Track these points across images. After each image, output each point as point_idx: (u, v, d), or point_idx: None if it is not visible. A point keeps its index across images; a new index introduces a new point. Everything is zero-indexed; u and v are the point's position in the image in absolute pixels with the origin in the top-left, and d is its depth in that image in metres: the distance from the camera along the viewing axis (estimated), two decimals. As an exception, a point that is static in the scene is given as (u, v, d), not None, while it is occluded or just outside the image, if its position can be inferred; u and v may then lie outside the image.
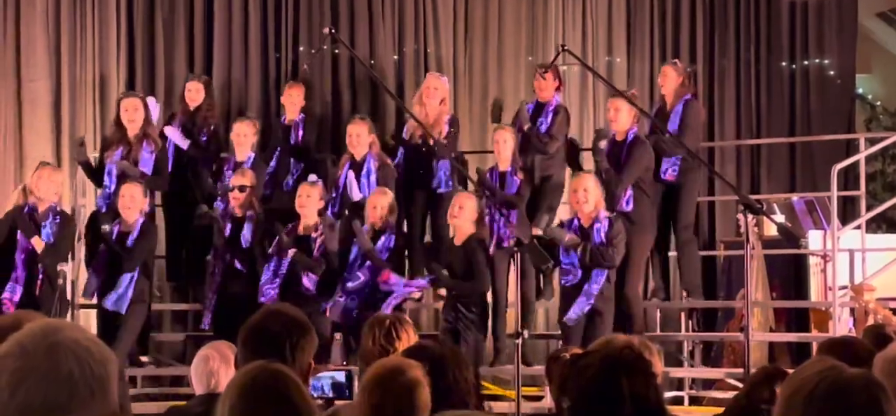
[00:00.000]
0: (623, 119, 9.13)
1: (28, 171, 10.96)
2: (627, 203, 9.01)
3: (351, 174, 9.48)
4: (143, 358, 9.71)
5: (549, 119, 9.71)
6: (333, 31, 9.74)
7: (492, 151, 10.05)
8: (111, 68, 11.34)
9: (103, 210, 9.62)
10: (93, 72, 11.28)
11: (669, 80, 9.75)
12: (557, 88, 9.85)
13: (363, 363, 4.36)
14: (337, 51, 11.54)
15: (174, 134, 9.98)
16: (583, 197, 8.66)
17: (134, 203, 9.07)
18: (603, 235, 8.62)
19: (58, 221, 9.05)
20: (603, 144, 9.13)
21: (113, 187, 9.52)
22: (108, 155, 9.61)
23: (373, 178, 9.50)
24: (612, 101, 9.34)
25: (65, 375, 2.15)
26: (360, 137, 9.60)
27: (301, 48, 11.64)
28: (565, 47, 9.02)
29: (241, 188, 9.25)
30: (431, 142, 9.53)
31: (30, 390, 2.14)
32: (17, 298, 8.88)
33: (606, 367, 2.78)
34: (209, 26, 11.58)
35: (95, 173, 9.79)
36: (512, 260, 8.76)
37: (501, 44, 11.95)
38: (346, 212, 9.45)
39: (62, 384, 2.15)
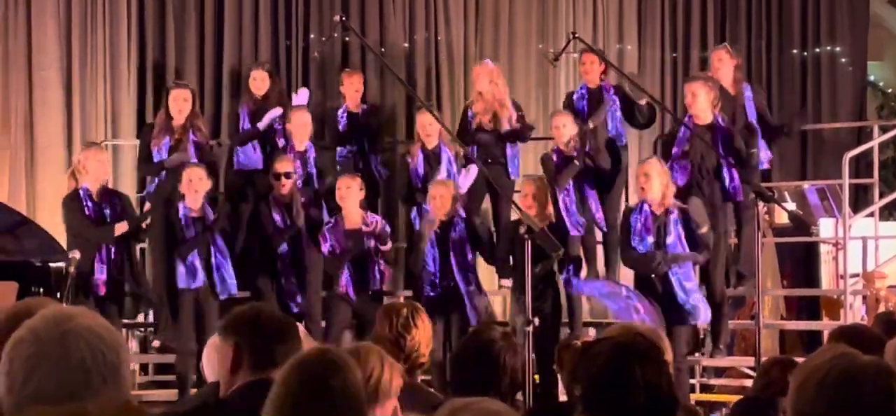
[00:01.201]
0: (702, 103, 8.98)
1: (39, 159, 11.00)
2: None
3: (462, 171, 9.46)
4: (155, 343, 9.71)
5: (619, 103, 9.67)
6: (344, 18, 9.74)
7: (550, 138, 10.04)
8: (122, 57, 11.34)
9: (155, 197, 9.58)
10: (103, 60, 11.28)
11: (725, 63, 9.60)
12: (604, 72, 9.81)
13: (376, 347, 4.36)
14: (347, 39, 11.53)
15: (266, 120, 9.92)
16: (643, 182, 8.49)
17: (201, 185, 8.96)
18: (679, 226, 8.48)
19: (120, 201, 9.11)
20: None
21: (165, 175, 9.50)
22: (155, 144, 9.57)
23: (454, 168, 9.52)
24: (689, 85, 9.17)
25: (77, 362, 2.16)
26: (432, 126, 9.52)
27: (312, 36, 11.64)
28: (576, 35, 9.03)
29: (287, 175, 9.23)
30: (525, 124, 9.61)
31: (43, 376, 2.15)
32: (104, 277, 8.90)
33: (618, 354, 2.78)
34: (220, 13, 11.58)
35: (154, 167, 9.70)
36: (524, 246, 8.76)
37: (512, 31, 11.94)
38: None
39: (75, 370, 2.16)
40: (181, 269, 8.80)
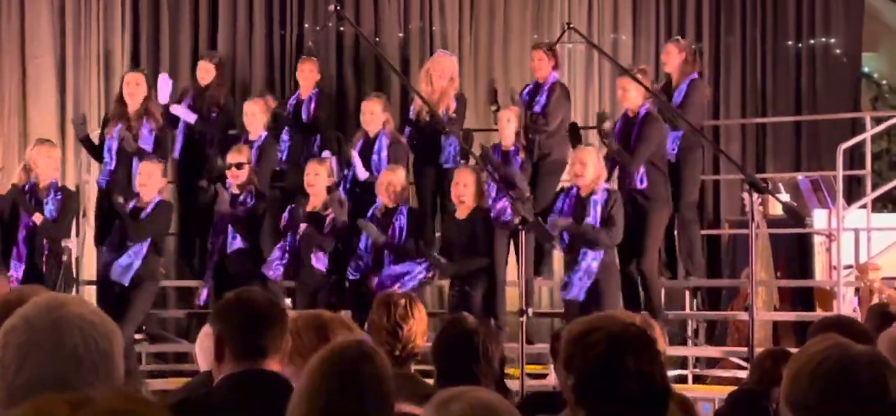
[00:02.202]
0: (632, 97, 9.11)
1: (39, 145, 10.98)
2: (641, 181, 8.99)
3: (355, 155, 9.46)
4: (137, 335, 9.70)
5: (545, 98, 9.69)
6: (338, 8, 9.72)
7: (495, 129, 10.05)
8: (115, 44, 11.34)
9: (103, 187, 9.62)
10: (97, 48, 11.27)
11: (672, 57, 9.74)
12: (554, 67, 9.82)
13: (372, 338, 4.38)
14: (342, 28, 11.52)
15: (181, 110, 9.98)
16: (580, 170, 8.64)
17: (151, 180, 9.02)
18: (599, 207, 8.60)
19: (59, 197, 9.03)
20: (607, 125, 9.10)
21: (113, 164, 9.51)
22: (108, 131, 9.60)
23: (385, 155, 9.46)
24: (621, 80, 9.31)
25: (69, 350, 2.15)
26: (374, 115, 9.55)
27: (306, 25, 11.63)
28: (571, 25, 9.01)
29: (238, 166, 9.23)
30: (439, 118, 9.51)
31: (35, 364, 2.15)
32: (20, 275, 8.88)
33: (612, 344, 2.78)
34: (214, 2, 11.57)
35: (96, 149, 9.78)
36: (513, 238, 8.78)
37: (507, 21, 11.93)
38: (357, 190, 9.44)
39: (67, 358, 2.15)
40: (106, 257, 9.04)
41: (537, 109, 9.66)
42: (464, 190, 8.87)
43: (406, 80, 10.88)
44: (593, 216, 8.60)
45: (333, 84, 11.51)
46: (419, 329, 4.54)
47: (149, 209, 9.03)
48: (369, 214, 9.06)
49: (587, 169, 8.63)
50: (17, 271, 8.90)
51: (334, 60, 11.62)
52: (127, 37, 11.40)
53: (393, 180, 9.00)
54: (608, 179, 8.94)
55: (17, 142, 11.05)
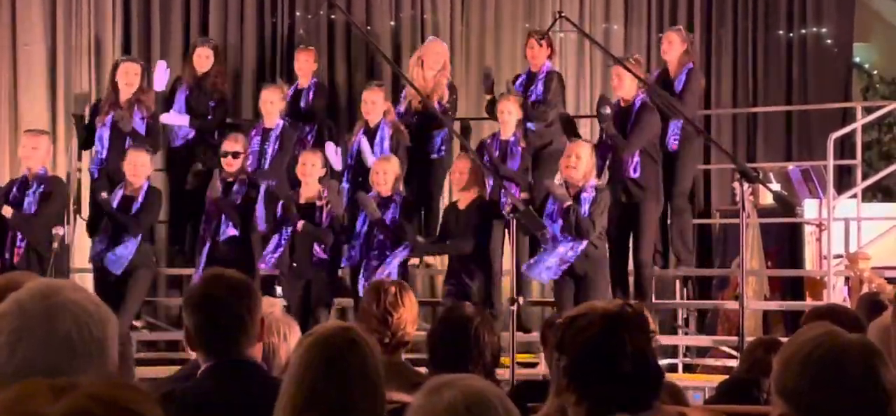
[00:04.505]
0: (628, 86, 9.10)
1: (23, 134, 10.94)
2: (635, 170, 8.99)
3: (364, 140, 9.43)
4: (137, 323, 9.71)
5: (541, 87, 9.67)
6: (330, -4, 9.71)
7: (485, 118, 10.04)
8: (107, 32, 11.30)
9: (96, 175, 9.59)
10: (88, 35, 11.24)
11: (675, 46, 9.67)
12: (549, 56, 9.81)
13: (362, 324, 4.38)
14: (333, 16, 11.51)
15: (172, 118, 9.89)
16: (574, 163, 8.61)
17: (140, 169, 9.03)
18: (587, 205, 8.59)
19: (42, 188, 8.95)
20: (607, 109, 9.09)
21: (105, 152, 9.49)
22: (99, 119, 9.56)
23: (386, 145, 9.43)
24: (617, 68, 9.28)
25: (63, 336, 2.15)
26: (375, 104, 9.50)
27: (297, 13, 11.61)
28: (562, 14, 8.98)
29: (235, 155, 9.21)
30: (434, 110, 9.49)
31: (28, 350, 2.14)
32: None
33: (608, 323, 2.78)
34: (205, -10, 11.55)
35: (87, 132, 9.73)
36: (506, 227, 8.77)
37: (499, 10, 11.92)
38: (360, 179, 9.42)
39: (60, 345, 2.15)
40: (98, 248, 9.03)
41: (533, 98, 9.64)
42: (459, 178, 8.87)
43: (398, 68, 10.85)
44: (584, 213, 8.60)
45: (325, 73, 11.48)
46: (409, 317, 4.55)
47: (141, 198, 9.03)
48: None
49: (581, 163, 8.60)
50: None
51: (325, 49, 11.60)
52: (118, 24, 11.37)
53: (387, 169, 8.98)
54: (599, 174, 8.93)
55: (8, 130, 11.02)
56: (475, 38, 11.88)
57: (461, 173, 8.88)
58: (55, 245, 8.65)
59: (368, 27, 11.53)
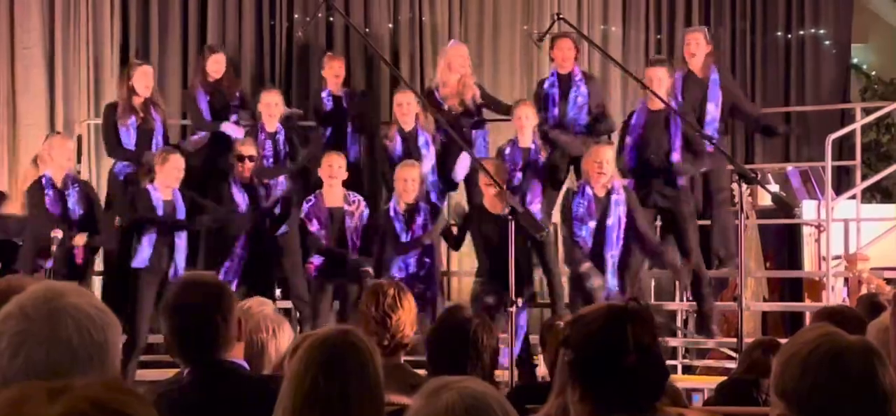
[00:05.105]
0: (662, 89, 8.88)
1: (22, 136, 10.96)
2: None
3: (465, 156, 9.18)
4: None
5: (586, 88, 9.51)
6: (328, -2, 9.69)
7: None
8: (105, 35, 11.30)
9: (121, 178, 9.53)
10: (86, 38, 11.24)
11: (702, 47, 9.49)
12: (575, 57, 9.69)
13: (360, 326, 4.38)
14: (332, 19, 11.51)
15: (230, 128, 9.75)
16: (607, 168, 8.51)
17: (180, 173, 8.95)
18: (621, 207, 8.52)
19: (77, 188, 9.00)
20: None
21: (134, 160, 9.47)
22: (122, 123, 9.49)
23: (431, 149, 9.36)
24: (651, 70, 9.01)
25: (64, 340, 2.16)
26: (410, 106, 9.32)
27: (296, 16, 11.61)
28: (561, 16, 8.95)
29: (251, 158, 9.17)
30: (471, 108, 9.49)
31: (30, 353, 2.15)
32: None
33: (611, 316, 2.79)
34: (204, -7, 11.55)
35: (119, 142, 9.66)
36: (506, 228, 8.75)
37: (497, 12, 11.92)
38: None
39: (61, 349, 2.16)
40: (143, 253, 8.77)
41: (582, 101, 9.50)
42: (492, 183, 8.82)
43: (396, 70, 10.86)
44: (616, 217, 8.55)
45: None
46: (408, 319, 4.54)
47: (181, 203, 8.93)
48: (391, 211, 8.98)
49: (610, 166, 8.53)
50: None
51: (323, 52, 11.59)
52: (116, 27, 11.37)
53: (412, 176, 8.92)
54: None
55: (6, 132, 11.02)
56: (473, 40, 11.87)
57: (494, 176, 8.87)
58: (54, 248, 8.63)
59: (367, 30, 11.53)
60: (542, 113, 9.41)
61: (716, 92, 9.43)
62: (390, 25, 11.77)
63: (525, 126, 9.18)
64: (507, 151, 9.24)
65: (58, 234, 8.67)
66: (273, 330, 4.26)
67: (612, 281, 8.59)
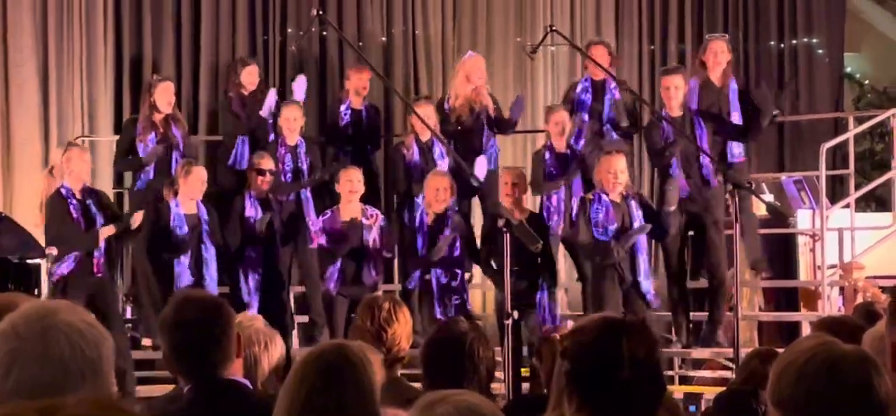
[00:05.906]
0: (680, 96, 8.87)
1: (16, 154, 10.94)
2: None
3: (482, 159, 9.11)
4: (146, 341, 9.62)
5: (619, 95, 9.51)
6: (321, 12, 9.70)
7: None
8: (98, 52, 11.29)
9: (143, 189, 9.52)
10: (80, 56, 11.23)
11: (724, 56, 9.19)
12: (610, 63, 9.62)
13: (355, 339, 4.37)
14: (325, 32, 11.51)
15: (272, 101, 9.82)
16: (622, 177, 8.57)
17: (203, 185, 9.00)
18: (638, 209, 8.59)
19: (95, 199, 9.00)
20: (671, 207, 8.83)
21: (153, 172, 9.44)
22: (140, 138, 9.50)
23: (447, 160, 9.31)
24: (668, 78, 8.99)
25: (56, 358, 2.15)
26: (429, 119, 9.18)
27: (289, 30, 11.61)
28: (553, 27, 8.97)
29: (270, 172, 9.14)
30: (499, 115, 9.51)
31: (22, 371, 2.15)
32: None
33: (607, 329, 2.78)
34: (197, 8, 11.54)
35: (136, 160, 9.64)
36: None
37: (490, 24, 11.93)
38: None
39: (54, 366, 2.15)
40: (179, 269, 8.77)
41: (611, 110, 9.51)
42: (515, 191, 8.82)
43: (390, 83, 10.86)
44: (637, 218, 8.58)
45: (316, 89, 11.48)
46: (404, 332, 4.53)
47: (205, 215, 8.93)
48: (418, 221, 8.96)
49: (624, 176, 8.62)
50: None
51: (317, 65, 11.60)
52: (110, 44, 11.37)
53: (444, 185, 8.88)
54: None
55: (0, 147, 11.00)
56: (466, 52, 11.86)
57: (506, 184, 8.87)
58: (49, 265, 8.62)
59: (360, 43, 11.53)
60: (577, 116, 9.44)
61: (735, 102, 9.27)
62: (383, 39, 11.78)
63: (563, 132, 9.21)
64: (547, 156, 9.29)
65: (52, 251, 8.66)
66: (265, 343, 4.26)
67: (646, 284, 8.61)
